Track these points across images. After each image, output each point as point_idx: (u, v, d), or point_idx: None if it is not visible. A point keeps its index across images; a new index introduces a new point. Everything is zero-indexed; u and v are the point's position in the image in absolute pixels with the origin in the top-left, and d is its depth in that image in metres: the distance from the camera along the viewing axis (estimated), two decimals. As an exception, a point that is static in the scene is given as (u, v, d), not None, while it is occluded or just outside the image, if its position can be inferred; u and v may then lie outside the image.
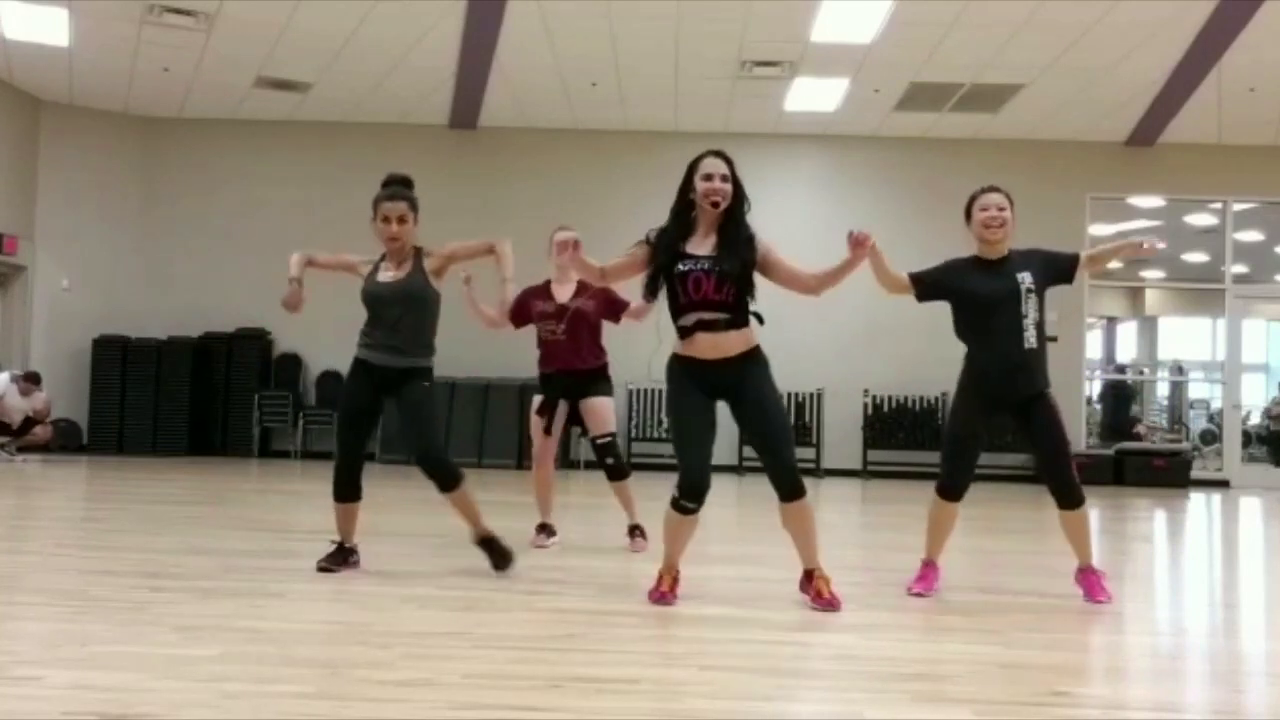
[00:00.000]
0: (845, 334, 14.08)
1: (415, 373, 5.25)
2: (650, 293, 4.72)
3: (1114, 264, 5.02)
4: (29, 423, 12.64)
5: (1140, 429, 15.86)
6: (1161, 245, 5.04)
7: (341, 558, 5.30)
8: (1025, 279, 4.97)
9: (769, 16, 11.26)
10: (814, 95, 13.24)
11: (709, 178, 4.61)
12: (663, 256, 4.62)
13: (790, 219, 13.95)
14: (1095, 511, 10.59)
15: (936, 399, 13.98)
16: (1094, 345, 16.41)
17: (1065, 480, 5.00)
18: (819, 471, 13.96)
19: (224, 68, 12.87)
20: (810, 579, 4.74)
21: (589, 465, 13.45)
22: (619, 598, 4.86)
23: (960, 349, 5.16)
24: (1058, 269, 5.08)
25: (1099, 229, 14.85)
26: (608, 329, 6.37)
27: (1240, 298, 14.85)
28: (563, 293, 6.28)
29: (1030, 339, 4.96)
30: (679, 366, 4.67)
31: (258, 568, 5.34)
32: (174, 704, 3.09)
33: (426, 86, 13.35)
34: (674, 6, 11.09)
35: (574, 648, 3.95)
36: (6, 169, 13.69)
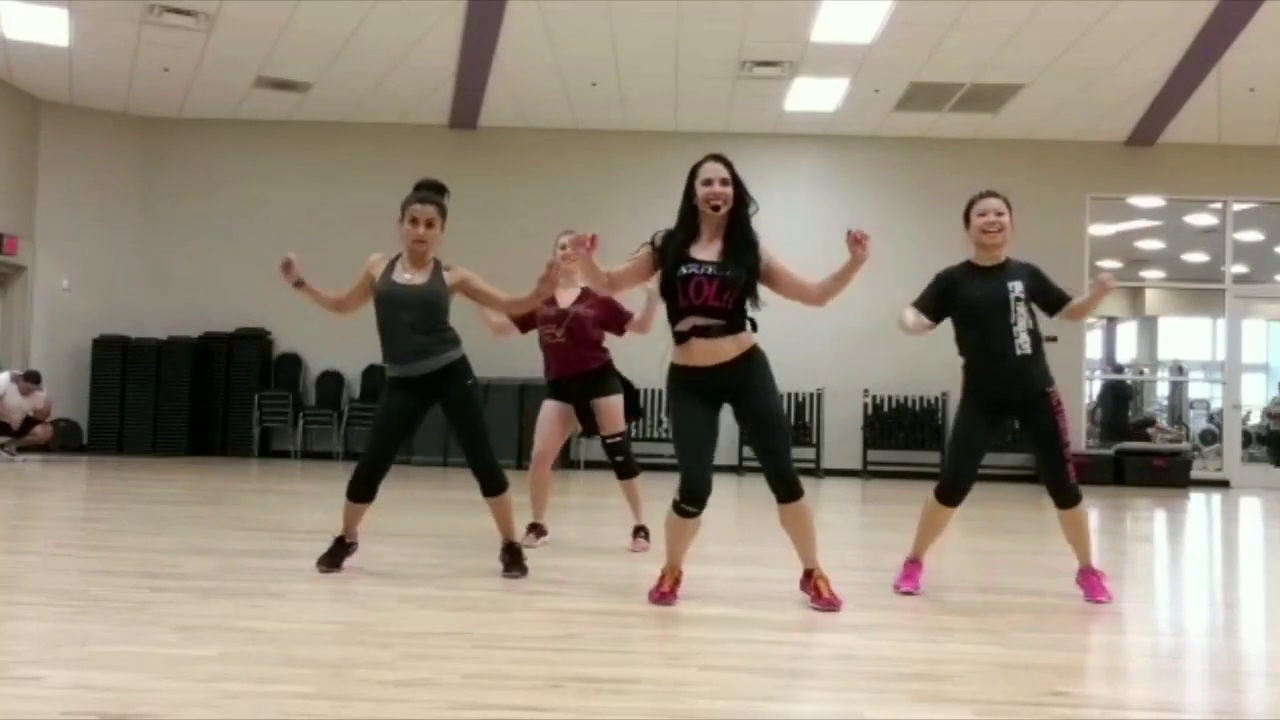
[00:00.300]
0: (845, 334, 14.07)
1: (454, 371, 5.22)
2: (665, 294, 4.70)
3: (1091, 310, 5.06)
4: (29, 423, 12.64)
5: (1151, 430, 15.86)
6: (1114, 271, 5.14)
7: (339, 554, 5.30)
8: (1016, 287, 4.99)
9: (769, 16, 11.26)
10: (814, 95, 13.24)
11: (709, 182, 4.61)
12: (669, 261, 4.61)
13: (790, 219, 13.96)
14: (1095, 511, 10.61)
15: (936, 399, 13.99)
16: (1094, 345, 16.40)
17: (1061, 480, 5.02)
18: (819, 471, 13.97)
19: (224, 68, 12.87)
20: (809, 578, 4.75)
21: (590, 465, 13.46)
22: (619, 598, 4.86)
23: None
24: (1045, 297, 5.09)
25: (1099, 229, 14.86)
26: (615, 341, 6.37)
27: (1240, 298, 14.85)
28: (565, 297, 6.28)
29: (1023, 345, 4.98)
30: (678, 375, 4.68)
31: (258, 568, 5.34)
32: (174, 704, 3.09)
33: (426, 86, 13.35)
34: (674, 6, 11.09)
35: (574, 648, 3.95)
36: (6, 169, 13.69)
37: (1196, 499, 12.45)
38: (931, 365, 12.24)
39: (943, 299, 5.09)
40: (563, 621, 4.37)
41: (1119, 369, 17.26)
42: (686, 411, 4.64)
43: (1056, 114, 13.51)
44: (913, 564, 5.25)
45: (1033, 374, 5.04)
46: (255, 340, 14.41)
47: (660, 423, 13.60)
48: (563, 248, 6.33)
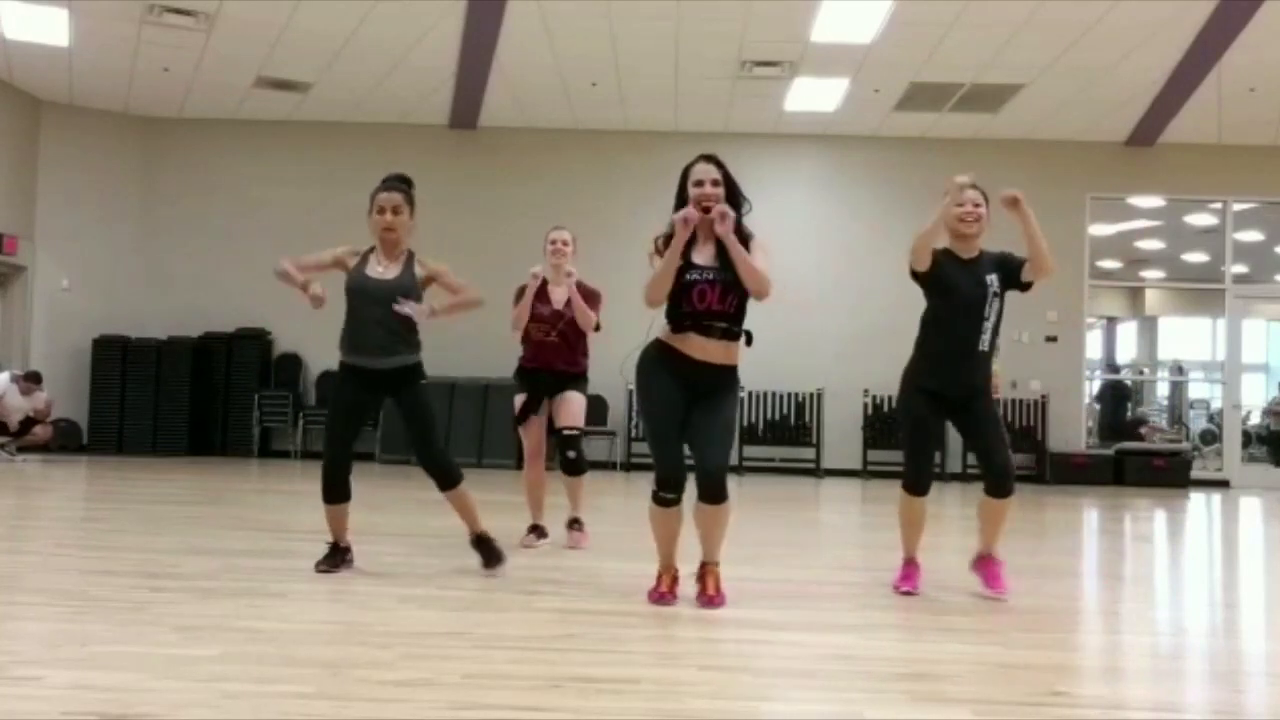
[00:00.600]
0: (845, 334, 14.07)
1: (410, 372, 5.25)
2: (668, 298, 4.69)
3: (1035, 244, 4.95)
4: (29, 422, 12.63)
5: (1144, 429, 15.86)
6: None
7: (337, 558, 5.30)
8: (993, 282, 5.02)
9: (769, 16, 11.26)
10: (814, 95, 13.24)
11: (699, 184, 4.61)
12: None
13: (790, 219, 13.98)
14: (1095, 512, 10.63)
15: (936, 399, 13.98)
16: (1094, 345, 16.40)
17: (1004, 467, 5.02)
18: (819, 471, 13.97)
19: (224, 68, 12.87)
20: (702, 570, 4.73)
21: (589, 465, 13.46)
22: (619, 598, 4.86)
23: None
24: (1013, 274, 5.06)
25: (1099, 229, 14.86)
26: (604, 330, 6.38)
27: (1240, 298, 14.85)
28: (558, 296, 6.30)
29: (985, 341, 5.03)
30: (658, 354, 4.65)
31: (258, 568, 5.34)
32: (174, 704, 3.09)
33: (426, 86, 13.35)
34: (674, 6, 11.09)
35: (574, 648, 3.95)
36: (6, 169, 13.69)
37: (1196, 499, 12.45)
38: (931, 365, 12.21)
39: (939, 264, 5.04)
40: (563, 621, 4.37)
41: (1115, 369, 17.26)
42: (657, 395, 4.64)
43: (1056, 114, 13.51)
44: (909, 564, 5.26)
45: (981, 369, 5.08)
46: (255, 340, 14.41)
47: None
48: (553, 243, 6.34)
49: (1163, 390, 18.10)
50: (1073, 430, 14.31)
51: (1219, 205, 14.69)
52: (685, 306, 4.57)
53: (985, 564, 5.14)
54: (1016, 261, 5.07)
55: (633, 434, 13.86)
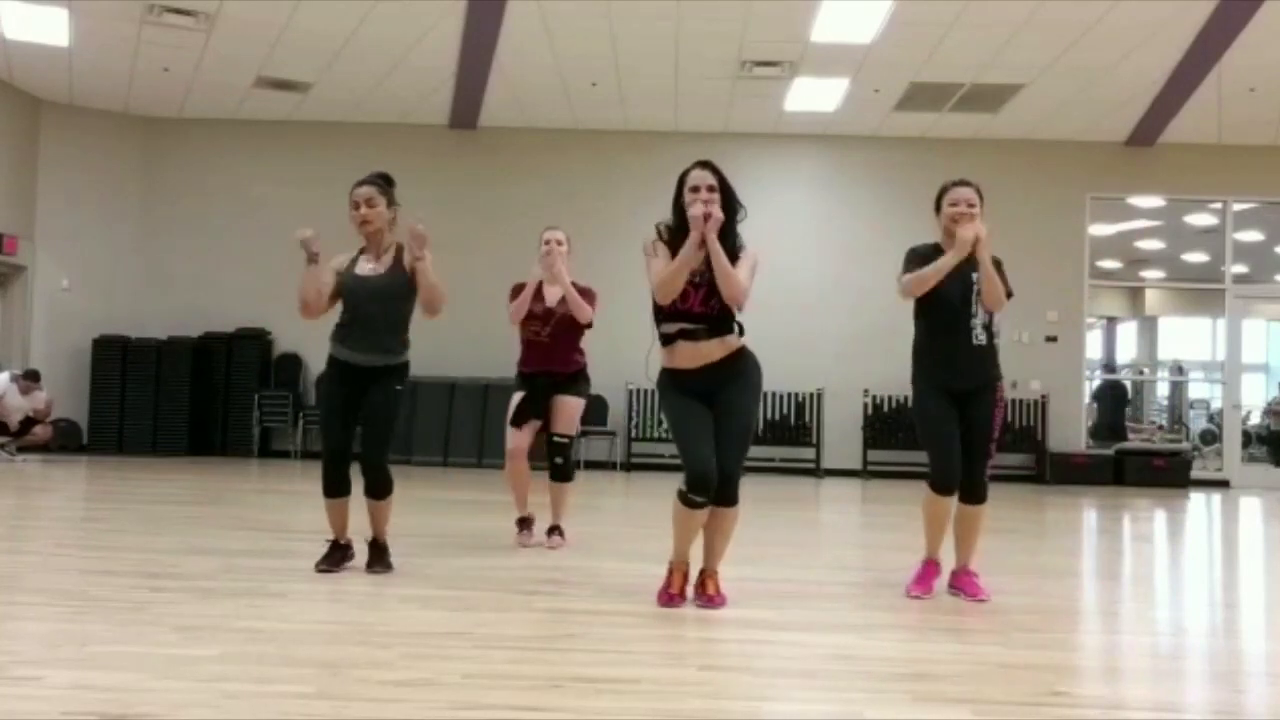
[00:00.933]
0: (845, 334, 14.07)
1: (393, 372, 5.28)
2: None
3: (985, 282, 5.01)
4: (29, 422, 12.63)
5: (1131, 434, 15.86)
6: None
7: (337, 556, 5.31)
8: (977, 279, 4.99)
9: (769, 16, 11.26)
10: (814, 95, 13.23)
11: (695, 190, 4.61)
12: (659, 265, 4.61)
13: (790, 219, 13.98)
14: (1095, 512, 10.63)
15: (936, 399, 13.97)
16: (1094, 345, 16.40)
17: (978, 474, 5.04)
18: (819, 471, 13.97)
19: (224, 68, 12.87)
20: (702, 577, 4.75)
21: (589, 466, 13.46)
22: (619, 598, 4.86)
23: None
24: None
25: (1099, 229, 14.86)
26: (604, 330, 6.39)
27: (1240, 298, 14.84)
28: (552, 295, 6.30)
29: (979, 337, 5.03)
30: (666, 378, 4.71)
31: (258, 568, 5.34)
32: (174, 704, 3.09)
33: (426, 86, 13.35)
34: (674, 6, 11.09)
35: (574, 648, 3.96)
36: (6, 169, 13.68)
37: (1196, 499, 12.44)
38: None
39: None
40: (563, 621, 4.37)
41: (1111, 369, 17.26)
42: (678, 405, 4.66)
43: (1056, 114, 13.51)
44: (930, 564, 5.22)
45: (984, 365, 5.09)
46: (255, 340, 14.41)
47: (660, 422, 13.60)
48: (546, 242, 6.34)
49: (1163, 390, 18.10)
50: (1072, 430, 14.31)
51: (1219, 205, 14.68)
52: (668, 306, 4.59)
53: (961, 578, 5.14)
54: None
55: (632, 434, 13.86)
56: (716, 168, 4.67)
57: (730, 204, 4.64)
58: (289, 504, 9.26)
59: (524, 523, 6.49)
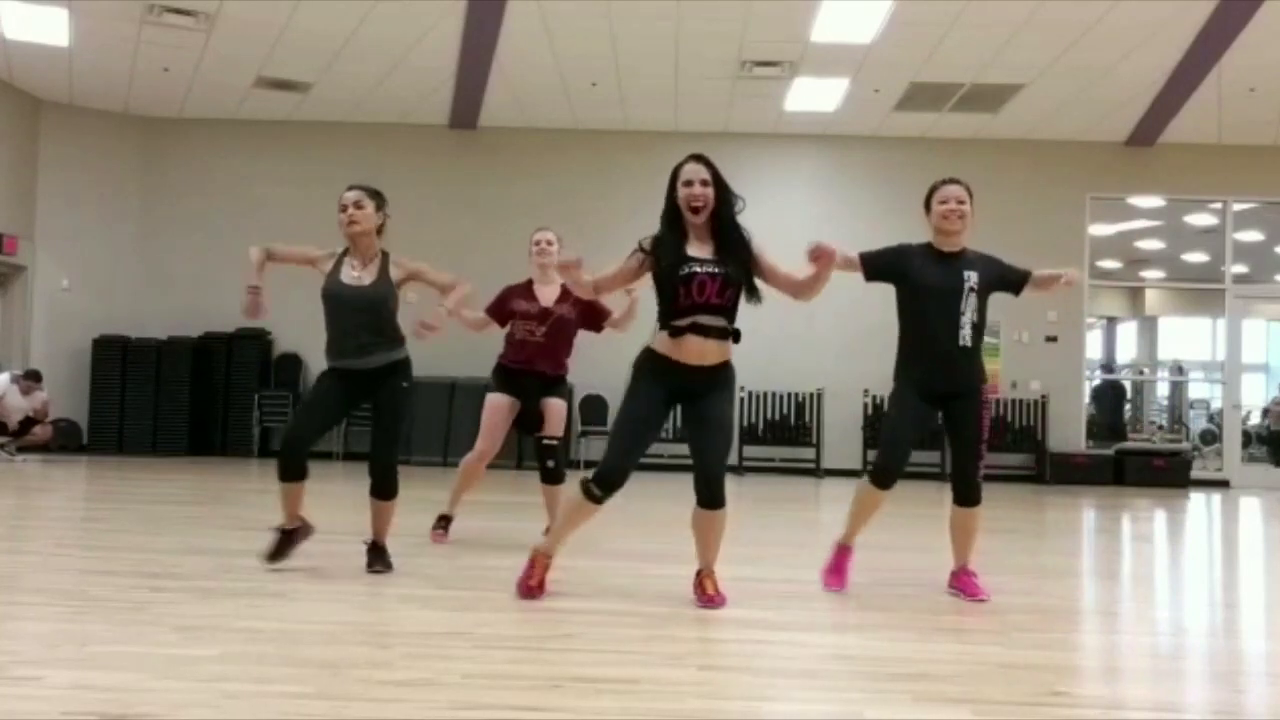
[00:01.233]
0: (845, 334, 14.06)
1: (395, 369, 5.25)
2: (662, 294, 4.68)
3: (1044, 292, 5.09)
4: (29, 422, 12.64)
5: (1130, 435, 15.87)
6: (1075, 276, 5.14)
7: (286, 546, 5.29)
8: (971, 278, 4.99)
9: (769, 16, 11.26)
10: (814, 95, 13.24)
11: (689, 184, 4.60)
12: (666, 261, 4.59)
13: (790, 219, 13.94)
14: (1095, 512, 10.63)
15: (936, 399, 13.98)
16: (1094, 345, 16.41)
17: (971, 477, 5.05)
18: (819, 471, 13.96)
19: (224, 68, 12.87)
20: (699, 577, 4.74)
21: (589, 466, 13.45)
22: (619, 598, 4.86)
23: None
24: (1005, 281, 5.10)
25: (1099, 229, 14.86)
26: (589, 334, 6.38)
27: (1240, 298, 14.85)
28: (546, 295, 6.28)
29: (965, 337, 4.99)
30: (651, 363, 4.65)
31: (258, 568, 5.33)
32: (174, 704, 3.09)
33: (426, 86, 13.35)
34: (674, 6, 11.09)
35: (574, 648, 3.95)
36: (6, 169, 13.69)
37: (1196, 499, 12.44)
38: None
39: (891, 270, 5.08)
40: (563, 621, 4.37)
41: (1111, 369, 17.27)
42: (643, 400, 4.63)
43: (1056, 114, 13.51)
44: (843, 551, 5.23)
45: (969, 366, 5.06)
46: (255, 340, 14.41)
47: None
48: (537, 243, 6.33)
49: (1163, 390, 18.10)
50: (1072, 430, 14.31)
51: (1219, 205, 14.69)
52: (684, 300, 4.55)
53: (960, 578, 5.14)
54: (1016, 274, 5.10)
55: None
56: (710, 161, 4.66)
57: (725, 196, 4.64)
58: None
59: (446, 521, 6.48)
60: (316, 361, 15.66)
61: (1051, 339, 14.18)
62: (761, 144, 14.18)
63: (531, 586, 4.72)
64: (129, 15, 11.51)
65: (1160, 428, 17.22)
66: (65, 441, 13.73)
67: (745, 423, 14.01)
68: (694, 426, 4.67)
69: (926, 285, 4.99)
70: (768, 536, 7.54)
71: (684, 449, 4.95)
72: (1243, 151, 14.21)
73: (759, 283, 4.68)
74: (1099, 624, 5.00)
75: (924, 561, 5.56)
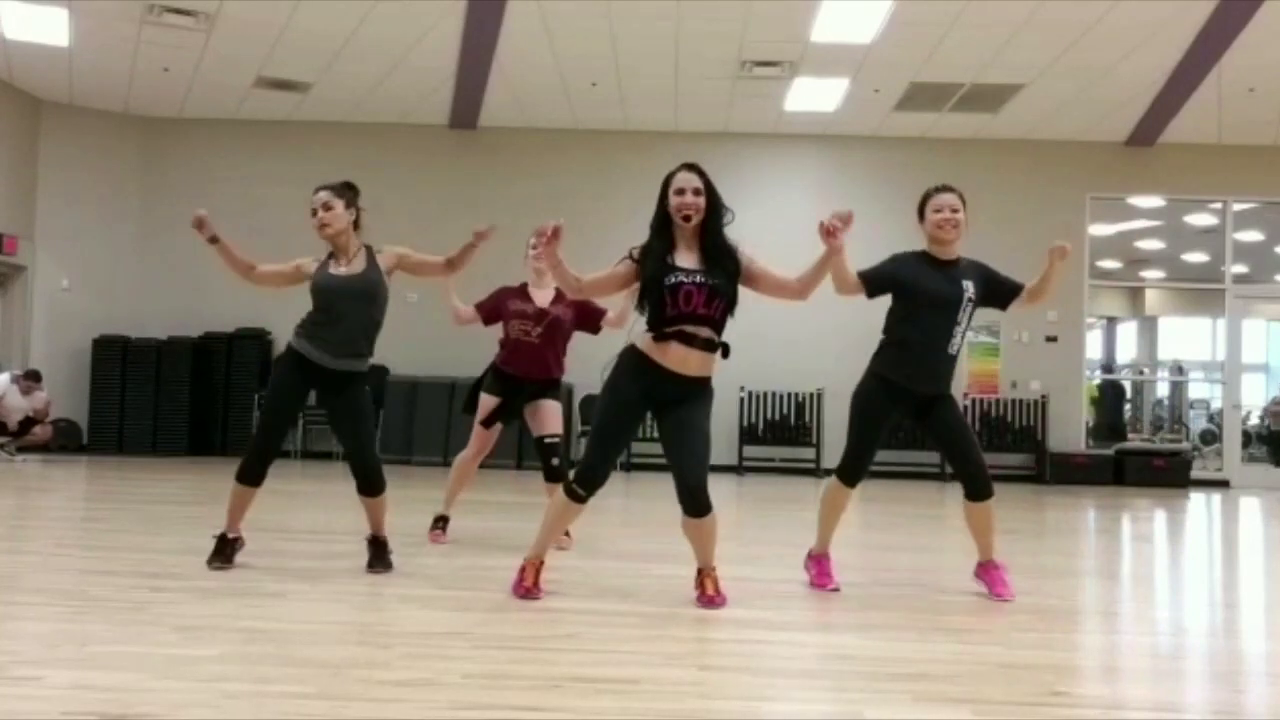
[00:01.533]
0: (845, 334, 13.96)
1: (358, 377, 5.29)
2: (641, 307, 4.69)
3: (1045, 293, 5.09)
4: (29, 422, 12.64)
5: (1130, 435, 15.88)
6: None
7: (229, 551, 5.29)
8: (969, 288, 5.01)
9: (769, 16, 11.26)
10: (814, 95, 13.24)
11: (681, 192, 4.61)
12: (652, 268, 4.59)
13: (790, 219, 13.86)
14: (1095, 512, 10.63)
15: (936, 399, 13.98)
16: (1094, 345, 16.41)
17: (979, 468, 5.03)
18: (818, 471, 13.96)
19: (224, 68, 12.87)
20: (700, 577, 4.75)
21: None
22: (619, 598, 4.86)
23: None
24: (998, 294, 5.12)
25: (1099, 229, 14.86)
26: (583, 335, 6.38)
27: (1240, 298, 14.85)
28: (541, 296, 6.27)
29: (955, 345, 5.02)
30: (634, 362, 4.65)
31: (258, 568, 5.34)
32: (174, 704, 3.08)
33: (426, 86, 13.35)
34: (674, 6, 11.09)
35: (574, 648, 3.95)
36: (6, 169, 13.69)
37: (1196, 499, 12.44)
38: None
39: (890, 282, 5.08)
40: (563, 621, 4.37)
41: (1111, 369, 17.27)
42: (623, 401, 4.64)
43: (1056, 114, 13.51)
44: (823, 559, 5.24)
45: (947, 374, 5.09)
46: (255, 340, 14.41)
47: (654, 424, 13.61)
48: (533, 247, 6.34)
49: (1163, 390, 18.10)
50: (1073, 430, 14.31)
51: (1219, 205, 14.69)
52: (670, 310, 4.55)
53: (987, 570, 5.14)
54: (1009, 287, 5.11)
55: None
56: (702, 170, 4.67)
57: (715, 206, 4.64)
58: (289, 504, 9.25)
59: (443, 521, 6.50)
60: (316, 361, 15.50)
61: (1051, 339, 14.18)
62: (761, 144, 14.18)
63: (528, 588, 4.74)
64: (129, 15, 11.51)
65: (1160, 428, 17.21)
66: (65, 441, 13.73)
67: (745, 423, 14.01)
68: (669, 435, 4.67)
69: (927, 294, 4.99)
70: (768, 536, 7.55)
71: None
72: (1243, 151, 14.22)
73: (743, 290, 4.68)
74: (1099, 624, 5.00)
75: (924, 561, 5.56)
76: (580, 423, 13.78)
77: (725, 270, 4.60)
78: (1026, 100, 13.15)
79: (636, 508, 9.68)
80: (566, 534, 6.41)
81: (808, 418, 14.19)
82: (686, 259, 4.61)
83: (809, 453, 14.16)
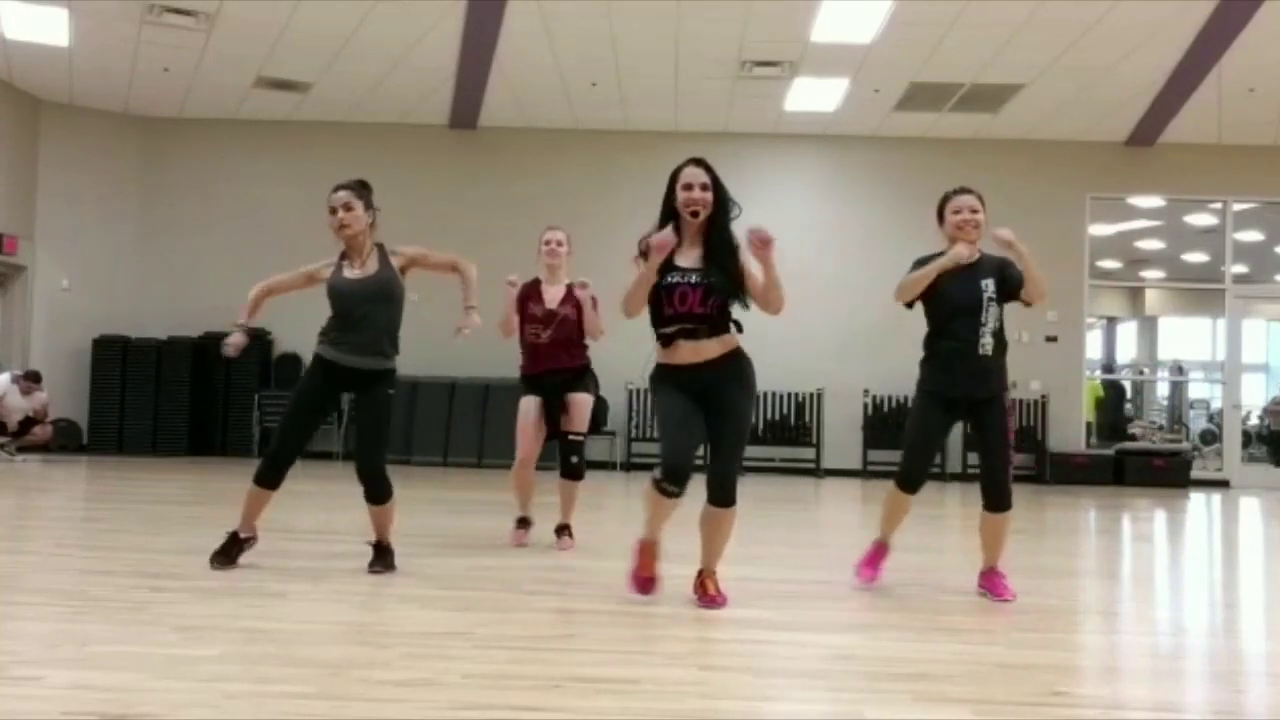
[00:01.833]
0: (845, 334, 14.08)
1: (382, 376, 5.28)
2: (650, 301, 4.66)
3: (1029, 276, 5.05)
4: (29, 422, 12.64)
5: (1136, 430, 15.86)
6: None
7: (235, 550, 5.29)
8: (988, 287, 5.02)
9: (769, 16, 11.26)
10: (814, 95, 13.24)
11: (689, 187, 4.59)
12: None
13: (790, 219, 13.95)
14: (1095, 512, 10.63)
15: (936, 399, 13.98)
16: (1094, 345, 16.41)
17: (1001, 485, 5.04)
18: (819, 471, 13.97)
19: (224, 68, 12.87)
20: (700, 577, 4.74)
21: (588, 465, 13.44)
22: (619, 598, 4.85)
23: None
24: (1011, 288, 5.10)
25: (1099, 229, 14.86)
26: (606, 328, 6.39)
27: (1240, 298, 14.85)
28: (552, 295, 6.29)
29: (986, 346, 5.02)
30: (661, 372, 4.69)
31: (258, 568, 5.34)
32: (174, 704, 3.08)
33: (426, 86, 13.35)
34: (674, 6, 11.09)
35: (574, 648, 3.95)
36: (6, 169, 13.69)
37: (1196, 499, 12.44)
38: (931, 365, 12.23)
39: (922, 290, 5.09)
40: (563, 621, 4.37)
41: (1109, 369, 17.27)
42: (668, 399, 4.65)
43: (1056, 114, 13.51)
44: (880, 546, 5.29)
45: (991, 375, 5.08)
46: (255, 340, 14.38)
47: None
48: (547, 243, 6.34)
49: (1163, 390, 18.10)
50: (1073, 430, 14.31)
51: (1219, 205, 14.69)
52: (666, 309, 4.57)
53: (989, 577, 5.16)
54: (1018, 278, 5.08)
55: (632, 434, 13.87)
56: (709, 165, 4.66)
57: (724, 202, 4.64)
58: (289, 504, 9.23)
59: (524, 522, 6.49)
60: (316, 361, 15.46)
61: (1051, 339, 14.18)
62: (761, 144, 14.18)
63: (645, 579, 4.71)
64: (129, 15, 11.51)
65: (1160, 428, 17.21)
66: (65, 441, 13.73)
67: (745, 423, 13.99)
68: (711, 426, 4.66)
69: (948, 298, 5.01)
70: (768, 536, 7.55)
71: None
72: (1243, 151, 14.21)
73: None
74: (1099, 624, 5.00)
75: (924, 561, 5.57)
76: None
77: (725, 268, 4.59)
78: (1026, 100, 13.15)
79: (637, 508, 9.67)
80: (569, 535, 6.42)
81: (808, 418, 14.19)
82: (687, 257, 4.61)
83: (809, 453, 14.16)
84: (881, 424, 14.03)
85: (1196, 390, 17.52)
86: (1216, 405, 15.88)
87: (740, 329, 4.68)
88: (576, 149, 14.54)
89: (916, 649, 4.09)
